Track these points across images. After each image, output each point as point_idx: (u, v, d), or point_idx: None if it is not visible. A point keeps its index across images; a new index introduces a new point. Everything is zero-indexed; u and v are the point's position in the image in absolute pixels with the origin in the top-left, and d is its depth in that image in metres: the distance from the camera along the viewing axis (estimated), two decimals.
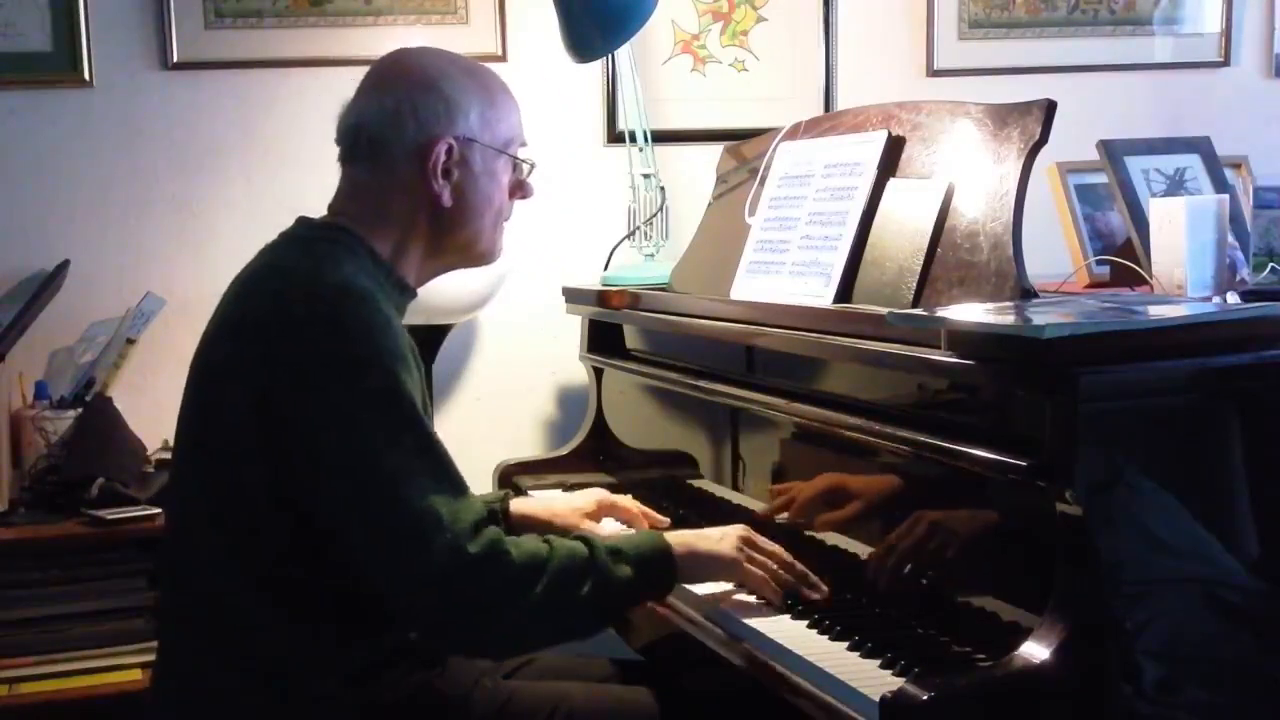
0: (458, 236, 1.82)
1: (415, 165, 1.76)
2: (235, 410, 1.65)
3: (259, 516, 1.65)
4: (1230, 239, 1.96)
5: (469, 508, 1.62)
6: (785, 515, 1.99)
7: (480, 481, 2.59)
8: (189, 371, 1.77)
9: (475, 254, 1.86)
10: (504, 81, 1.87)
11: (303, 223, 1.81)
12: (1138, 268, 2.04)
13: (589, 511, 2.12)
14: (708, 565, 1.79)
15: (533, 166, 1.89)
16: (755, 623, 1.73)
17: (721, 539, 1.81)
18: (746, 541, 1.81)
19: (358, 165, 1.80)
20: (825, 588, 1.79)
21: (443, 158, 1.76)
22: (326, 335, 1.62)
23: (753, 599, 1.82)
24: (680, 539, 1.78)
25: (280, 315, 1.65)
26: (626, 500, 2.17)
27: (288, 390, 1.62)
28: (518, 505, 2.13)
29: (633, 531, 1.87)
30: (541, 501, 2.19)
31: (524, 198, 1.90)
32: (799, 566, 1.82)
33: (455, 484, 1.64)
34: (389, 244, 1.79)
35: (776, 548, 1.83)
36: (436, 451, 1.64)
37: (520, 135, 1.87)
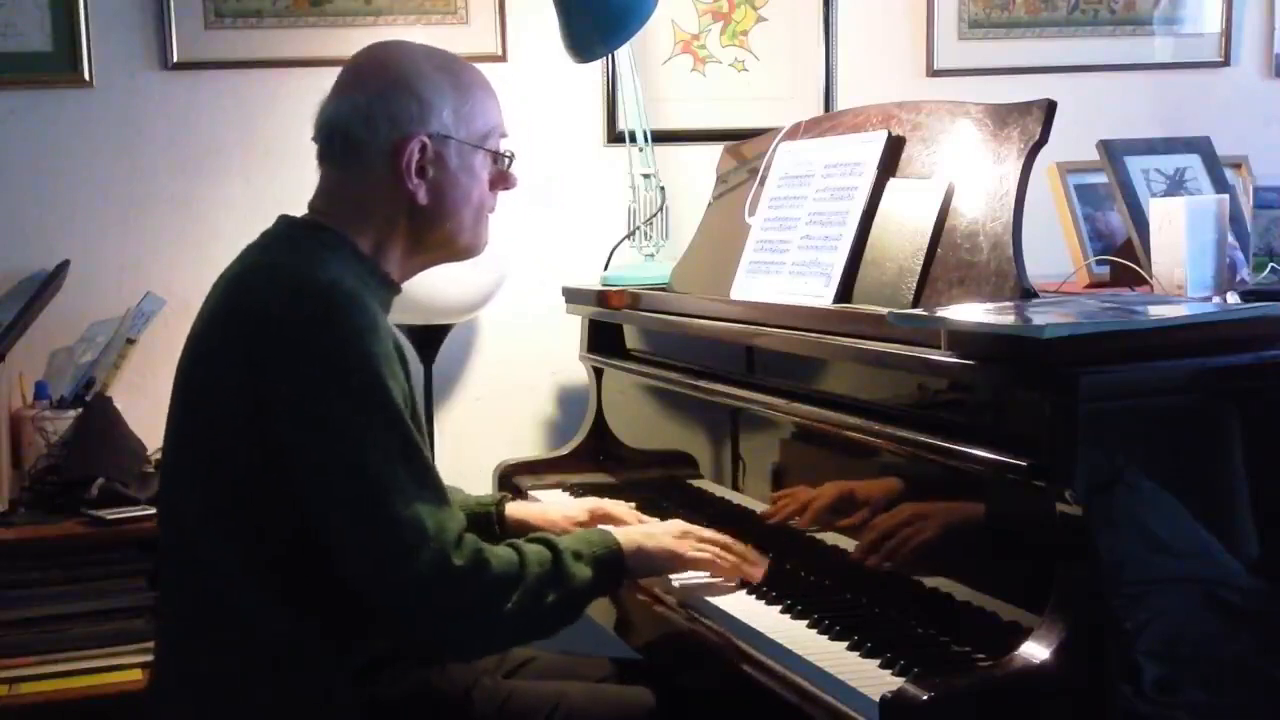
0: (438, 233, 1.82)
1: (390, 164, 1.76)
2: (225, 409, 1.66)
3: (257, 513, 1.66)
4: (1230, 239, 1.96)
5: (452, 516, 1.64)
6: (785, 517, 1.99)
7: (480, 481, 2.60)
8: (176, 372, 1.77)
9: (458, 249, 1.86)
10: (481, 74, 1.86)
11: (284, 221, 1.81)
12: (1138, 268, 2.04)
13: (581, 521, 2.11)
14: (654, 559, 1.86)
15: (512, 158, 1.88)
16: (755, 622, 1.73)
17: (663, 534, 1.89)
18: (686, 534, 1.90)
19: (334, 164, 1.80)
20: (765, 562, 1.90)
21: (416, 156, 1.76)
22: (312, 336, 1.62)
23: (752, 598, 1.83)
24: (627, 537, 1.84)
25: (266, 314, 1.65)
26: (622, 509, 2.16)
27: (274, 390, 1.62)
28: (513, 509, 2.13)
29: (582, 532, 1.90)
30: (537, 508, 2.19)
31: (506, 189, 1.89)
32: (738, 546, 1.91)
33: (437, 491, 1.65)
34: (370, 241, 1.78)
35: (715, 534, 1.92)
36: (420, 457, 1.65)
37: (500, 126, 1.86)
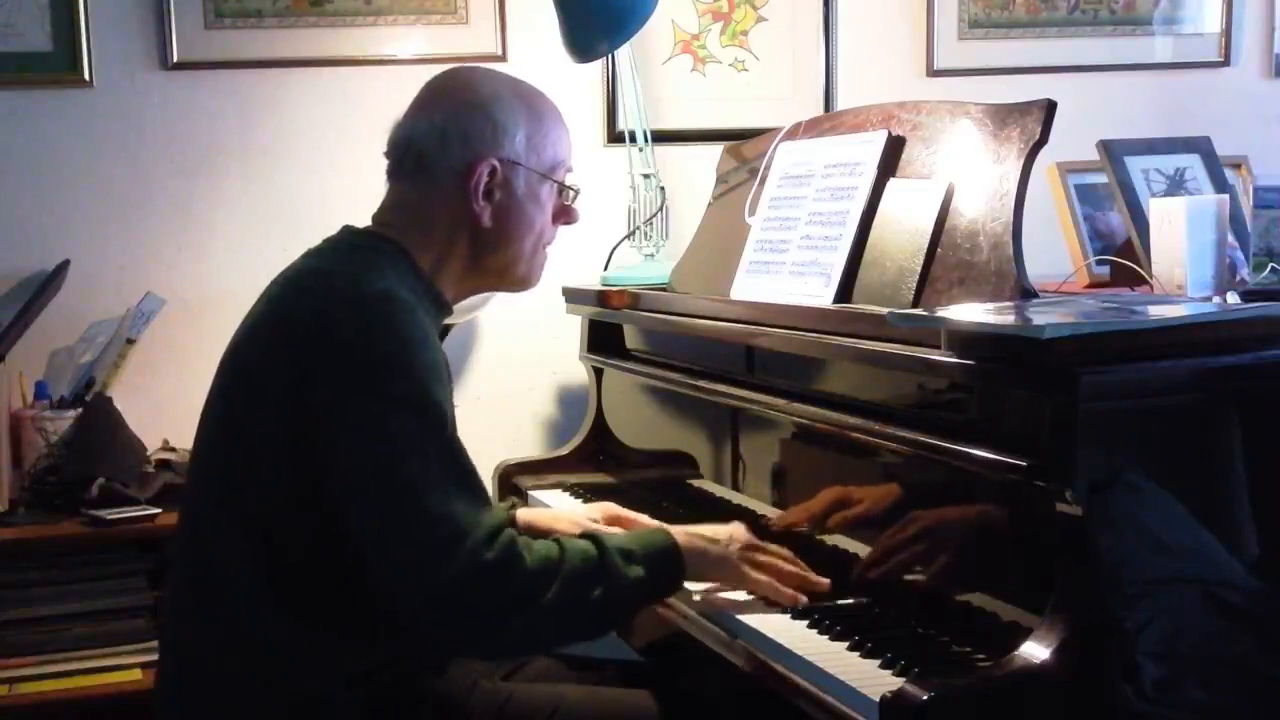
0: (497, 258, 1.83)
1: (458, 184, 1.78)
2: (269, 410, 1.65)
3: (283, 517, 1.65)
4: (1230, 239, 1.96)
5: (489, 514, 1.63)
6: (787, 519, 1.99)
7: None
8: (219, 369, 1.76)
9: (514, 277, 1.88)
10: (555, 106, 1.88)
11: (348, 230, 1.82)
12: (1138, 268, 2.04)
13: (594, 520, 2.10)
14: (714, 568, 1.79)
15: (578, 193, 1.90)
16: (755, 622, 1.73)
17: (728, 543, 1.81)
18: (749, 546, 1.82)
19: (404, 180, 1.82)
20: (826, 581, 1.80)
21: (485, 178, 1.78)
22: (363, 340, 1.62)
23: (751, 598, 1.82)
24: (687, 540, 1.77)
25: (320, 318, 1.65)
26: (634, 515, 2.14)
27: (322, 392, 1.62)
28: (524, 515, 2.11)
29: (638, 531, 1.87)
30: (548, 512, 2.18)
31: (569, 223, 1.90)
32: (800, 564, 1.83)
33: (477, 493, 1.64)
34: (429, 259, 1.80)
35: (778, 548, 1.84)
36: (462, 461, 1.65)
37: (568, 161, 1.88)
